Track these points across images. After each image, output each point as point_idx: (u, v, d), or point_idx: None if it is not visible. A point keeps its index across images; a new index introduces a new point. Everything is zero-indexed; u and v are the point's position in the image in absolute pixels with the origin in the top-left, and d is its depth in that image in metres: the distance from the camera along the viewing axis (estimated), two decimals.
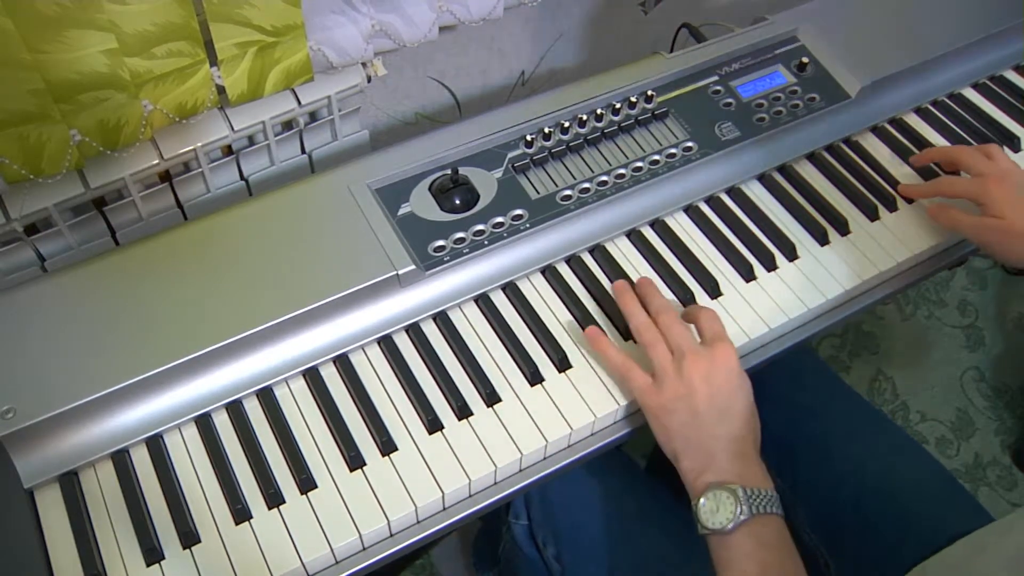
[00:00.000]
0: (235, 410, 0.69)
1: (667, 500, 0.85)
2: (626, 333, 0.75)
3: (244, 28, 0.74)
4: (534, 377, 0.72)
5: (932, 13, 0.97)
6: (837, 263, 0.81)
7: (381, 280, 0.71)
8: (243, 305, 0.69)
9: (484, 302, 0.76)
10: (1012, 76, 1.01)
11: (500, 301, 0.76)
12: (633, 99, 0.85)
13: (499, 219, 0.77)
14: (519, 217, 0.77)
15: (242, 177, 0.89)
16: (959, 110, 0.96)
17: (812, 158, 0.90)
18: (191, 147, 0.80)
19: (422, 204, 0.77)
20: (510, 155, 0.81)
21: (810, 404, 0.89)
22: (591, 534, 0.81)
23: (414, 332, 0.74)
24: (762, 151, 0.87)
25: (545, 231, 0.78)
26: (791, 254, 0.81)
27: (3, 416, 0.62)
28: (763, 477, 0.64)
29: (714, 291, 0.78)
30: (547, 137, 0.82)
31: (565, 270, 0.79)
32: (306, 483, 0.65)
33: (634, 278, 0.78)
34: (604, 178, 0.81)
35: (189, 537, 0.62)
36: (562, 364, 0.72)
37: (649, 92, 0.85)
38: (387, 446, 0.67)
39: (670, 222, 0.83)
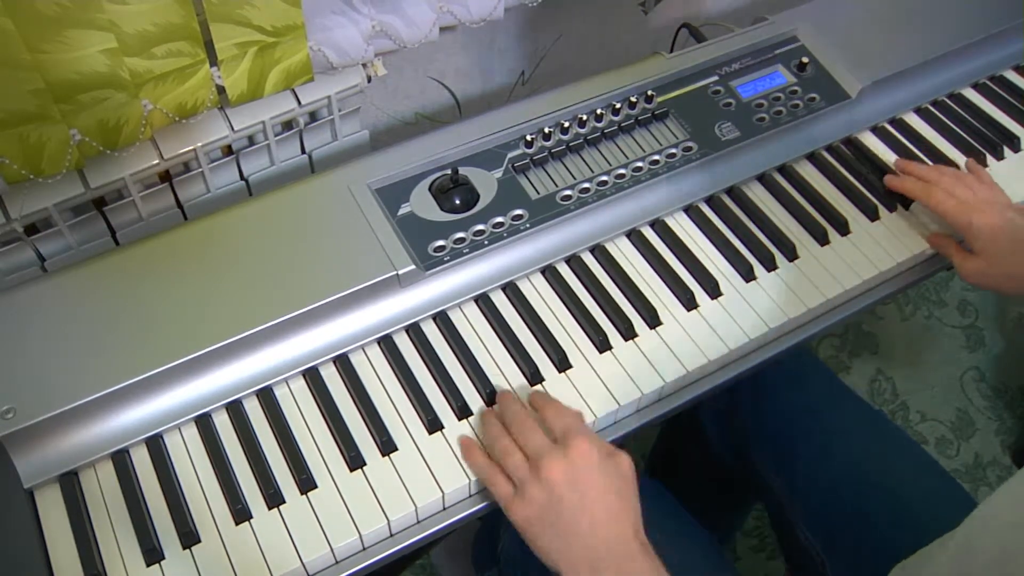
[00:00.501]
0: (235, 410, 0.69)
1: (665, 502, 0.85)
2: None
3: (244, 28, 0.74)
4: (534, 377, 0.72)
5: (932, 13, 0.97)
6: (837, 263, 0.81)
7: (381, 280, 0.71)
8: (243, 305, 0.69)
9: (484, 302, 0.76)
10: (1012, 76, 1.01)
11: (500, 301, 0.76)
12: (633, 99, 0.85)
13: (499, 219, 0.77)
14: (519, 217, 0.77)
15: (242, 177, 0.89)
16: (959, 110, 0.96)
17: (812, 158, 0.90)
18: (191, 147, 0.80)
19: (422, 204, 0.77)
20: (510, 155, 0.81)
21: (808, 404, 0.89)
22: None
23: (414, 332, 0.74)
24: (762, 151, 0.87)
25: (545, 231, 0.78)
26: (791, 254, 0.81)
27: (3, 416, 0.62)
28: (656, 568, 0.59)
29: (714, 291, 0.78)
30: (547, 137, 0.82)
31: (565, 270, 0.79)
32: (306, 483, 0.65)
33: (634, 278, 0.78)
34: (604, 178, 0.81)
35: (189, 537, 0.62)
36: (562, 364, 0.72)
37: (649, 92, 0.85)
38: (387, 446, 0.67)
39: (670, 222, 0.83)
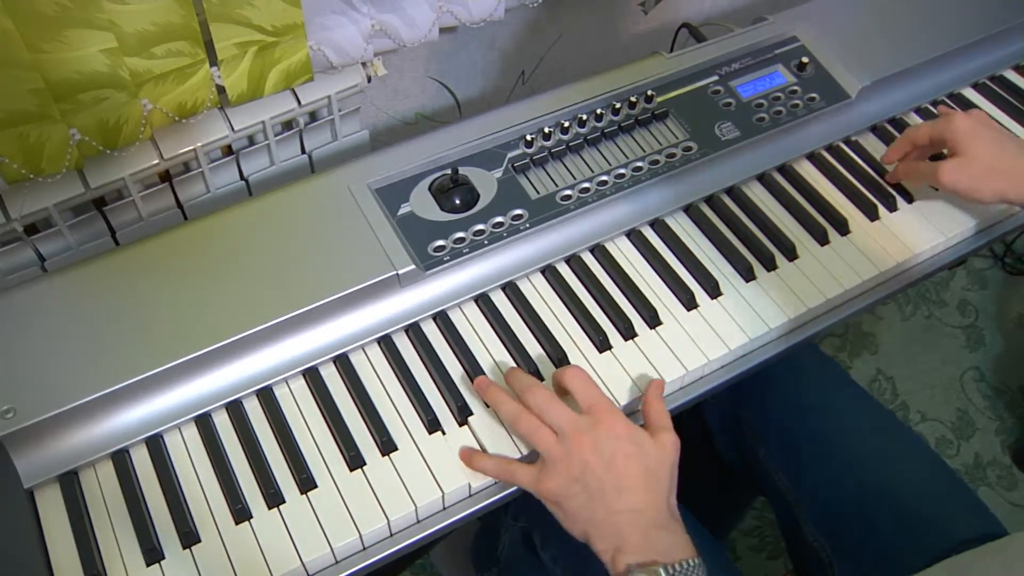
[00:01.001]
0: (235, 410, 0.69)
1: None
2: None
3: (244, 28, 0.74)
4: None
5: (932, 13, 0.97)
6: (837, 263, 0.81)
7: (381, 280, 0.71)
8: (243, 305, 0.69)
9: (484, 302, 0.76)
10: (1012, 76, 1.01)
11: (500, 301, 0.76)
12: (633, 99, 0.85)
13: (499, 219, 0.77)
14: (519, 217, 0.77)
15: (242, 177, 0.89)
16: (959, 110, 0.96)
17: (812, 158, 0.90)
18: (191, 147, 0.80)
19: (422, 204, 0.77)
20: (510, 155, 0.81)
21: (815, 402, 0.89)
22: None
23: (414, 332, 0.74)
24: (762, 151, 0.87)
25: (545, 231, 0.78)
26: (791, 254, 0.81)
27: (3, 416, 0.62)
28: (684, 544, 0.60)
29: (714, 291, 0.78)
30: (547, 137, 0.82)
31: (565, 270, 0.79)
32: (306, 483, 0.65)
33: (634, 278, 0.78)
34: (604, 178, 0.81)
35: (189, 537, 0.62)
36: (561, 364, 0.72)
37: (649, 92, 0.85)
38: (387, 446, 0.67)
39: (670, 222, 0.83)
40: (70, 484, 0.64)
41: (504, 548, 0.90)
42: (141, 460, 0.66)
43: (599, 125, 0.84)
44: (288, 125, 0.88)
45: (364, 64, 0.88)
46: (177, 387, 0.67)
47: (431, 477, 0.66)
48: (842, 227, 0.84)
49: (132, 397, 0.66)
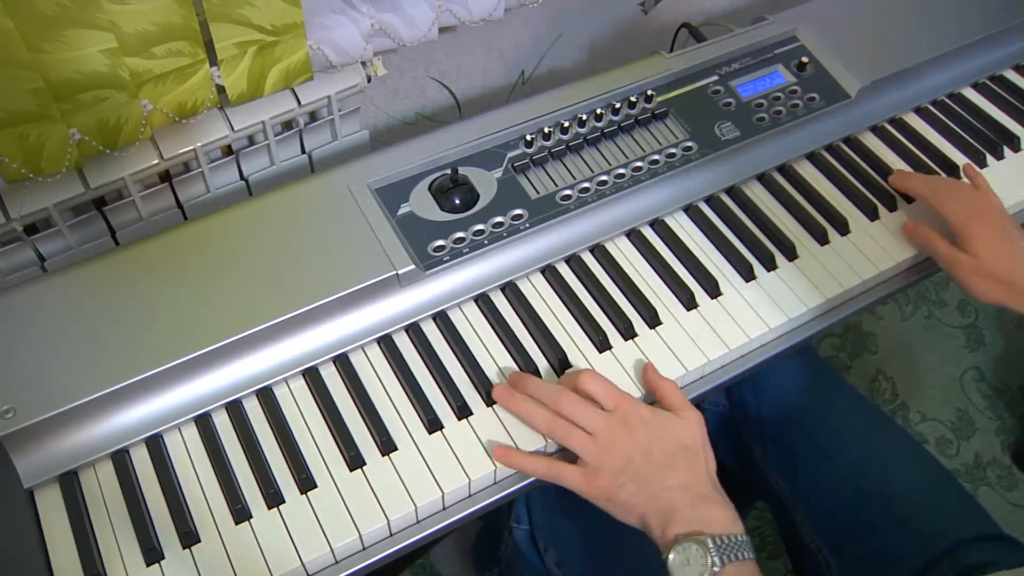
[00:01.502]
0: (235, 410, 0.69)
1: None
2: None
3: (244, 28, 0.74)
4: None
5: (932, 13, 0.97)
6: (837, 263, 0.81)
7: (381, 280, 0.71)
8: (243, 305, 0.69)
9: (484, 302, 0.76)
10: (1012, 76, 1.01)
11: (500, 301, 0.76)
12: (633, 99, 0.85)
13: (499, 219, 0.77)
14: (519, 217, 0.77)
15: (242, 177, 0.89)
16: (959, 110, 0.96)
17: (812, 158, 0.90)
18: (191, 147, 0.80)
19: (422, 204, 0.77)
20: (510, 155, 0.81)
21: (812, 404, 0.89)
22: (592, 541, 0.81)
23: (414, 332, 0.74)
24: (762, 151, 0.87)
25: (545, 231, 0.78)
26: (791, 254, 0.81)
27: (3, 416, 0.62)
28: (732, 519, 0.62)
29: (714, 291, 0.78)
30: (547, 137, 0.82)
31: (565, 270, 0.79)
32: (306, 483, 0.65)
33: (634, 278, 0.78)
34: (604, 178, 0.81)
35: (189, 537, 0.62)
36: (561, 364, 0.72)
37: (649, 92, 0.85)
38: (387, 446, 0.67)
39: (670, 222, 0.83)
40: (70, 484, 0.64)
41: (506, 549, 0.90)
42: (141, 460, 0.66)
43: (599, 125, 0.84)
44: (288, 125, 0.88)
45: (364, 64, 0.88)
46: (177, 387, 0.67)
47: (431, 477, 0.66)
48: (842, 227, 0.84)
49: (132, 397, 0.66)
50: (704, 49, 0.91)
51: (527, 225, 0.77)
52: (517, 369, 0.72)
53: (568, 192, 0.79)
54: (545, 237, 0.78)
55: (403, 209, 0.76)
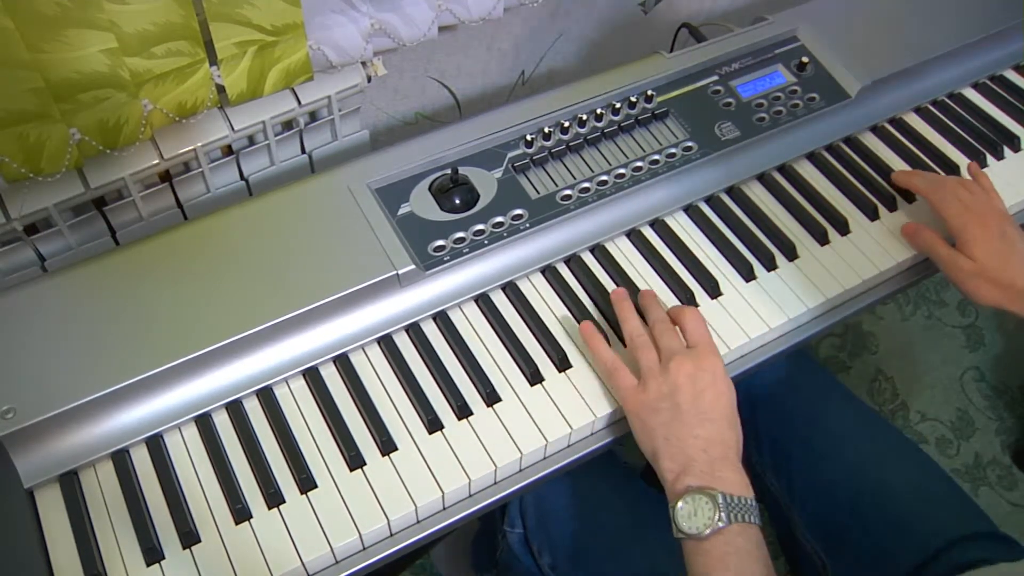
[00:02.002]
0: (235, 410, 0.69)
1: (663, 508, 0.85)
2: (621, 337, 0.74)
3: (244, 27, 0.74)
4: (534, 377, 0.72)
5: (932, 13, 0.97)
6: (837, 263, 0.81)
7: (381, 280, 0.71)
8: (243, 305, 0.69)
9: (484, 302, 0.76)
10: (1012, 76, 1.01)
11: (500, 301, 0.76)
12: (633, 99, 0.85)
13: (499, 219, 0.77)
14: (519, 217, 0.77)
15: (242, 177, 0.89)
16: (959, 110, 0.96)
17: (812, 158, 0.90)
18: (191, 147, 0.80)
19: (422, 204, 0.77)
20: (510, 155, 0.81)
21: (807, 405, 0.89)
22: (586, 544, 0.81)
23: (414, 332, 0.74)
24: (762, 151, 0.87)
25: (545, 231, 0.78)
26: (791, 254, 0.81)
27: (3, 416, 0.62)
28: (744, 485, 0.63)
29: (714, 291, 0.78)
30: (547, 137, 0.82)
31: (565, 270, 0.79)
32: (306, 483, 0.65)
33: (634, 278, 0.78)
34: (604, 178, 0.81)
35: (189, 537, 0.62)
36: (562, 364, 0.72)
37: (649, 92, 0.85)
38: (387, 446, 0.67)
39: (670, 222, 0.83)
40: (70, 484, 0.64)
41: (501, 555, 0.90)
42: (141, 460, 0.66)
43: (599, 125, 0.83)
44: (288, 125, 0.88)
45: (364, 64, 0.88)
46: (177, 387, 0.67)
47: (431, 477, 0.66)
48: (842, 227, 0.84)
49: (132, 397, 0.66)
50: (704, 49, 0.91)
51: (527, 225, 0.77)
52: (518, 369, 0.72)
53: (568, 192, 0.79)
54: (545, 237, 0.78)
55: (403, 209, 0.76)
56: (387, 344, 0.73)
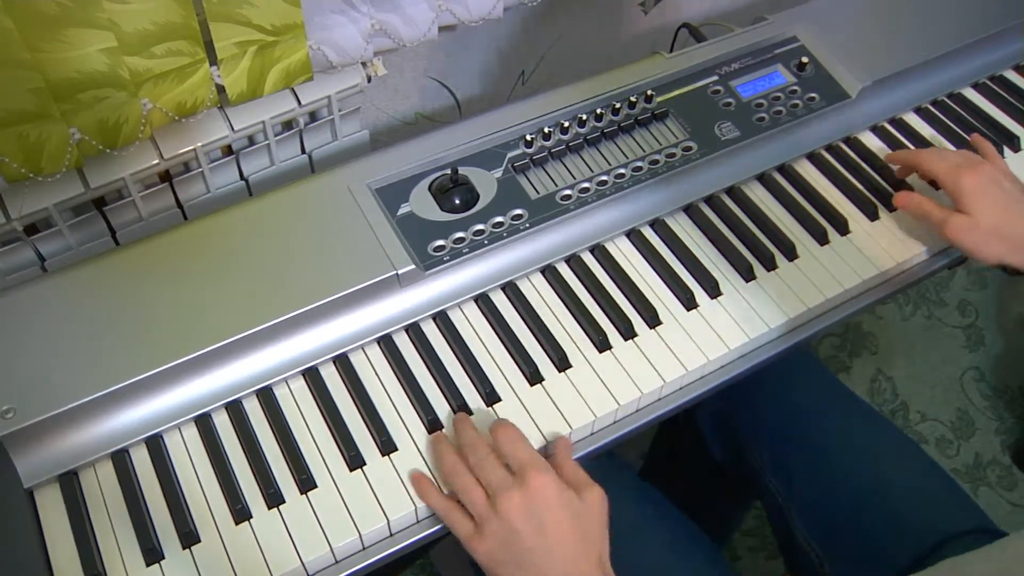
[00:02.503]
0: (235, 410, 0.69)
1: (661, 507, 0.85)
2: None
3: (244, 27, 0.74)
4: (534, 377, 0.72)
5: (932, 13, 0.97)
6: (837, 263, 0.81)
7: (381, 280, 0.71)
8: (243, 305, 0.69)
9: (484, 302, 0.76)
10: (1012, 76, 1.01)
11: (500, 301, 0.76)
12: (633, 99, 0.85)
13: (499, 219, 0.77)
14: (519, 217, 0.77)
15: (242, 177, 0.89)
16: (959, 110, 0.96)
17: (812, 158, 0.90)
18: (191, 147, 0.80)
19: (422, 204, 0.77)
20: (510, 155, 0.81)
21: (806, 404, 0.89)
22: None
23: (414, 332, 0.74)
24: (762, 151, 0.87)
25: (545, 231, 0.78)
26: (791, 254, 0.81)
27: (3, 416, 0.62)
28: None
29: (714, 291, 0.78)
30: (547, 137, 0.82)
31: (565, 270, 0.79)
32: (306, 483, 0.65)
33: (634, 278, 0.78)
34: (604, 178, 0.81)
35: (189, 537, 0.62)
36: (562, 364, 0.72)
37: (649, 92, 0.85)
38: (387, 446, 0.67)
39: (670, 222, 0.83)
40: (70, 484, 0.64)
41: None
42: (141, 460, 0.66)
43: (599, 125, 0.84)
44: (288, 125, 0.88)
45: (364, 64, 0.88)
46: (177, 387, 0.67)
47: (431, 477, 0.66)
48: (842, 227, 0.84)
49: (132, 397, 0.66)
50: (704, 49, 0.91)
51: (527, 225, 0.77)
52: (518, 369, 0.72)
53: (568, 192, 0.79)
54: (545, 237, 0.78)
55: (403, 209, 0.76)
56: (387, 344, 0.73)
